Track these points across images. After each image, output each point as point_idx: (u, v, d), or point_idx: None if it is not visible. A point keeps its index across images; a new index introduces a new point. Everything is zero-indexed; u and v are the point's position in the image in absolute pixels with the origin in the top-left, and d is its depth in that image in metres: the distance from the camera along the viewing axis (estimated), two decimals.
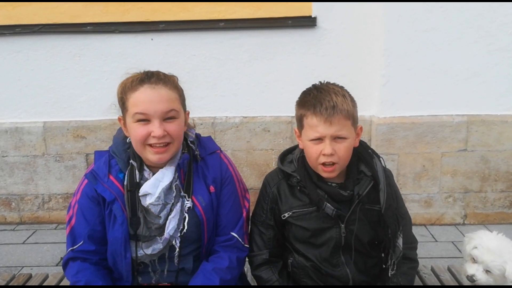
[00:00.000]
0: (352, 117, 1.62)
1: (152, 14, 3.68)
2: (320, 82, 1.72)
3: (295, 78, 3.72)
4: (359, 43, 3.70)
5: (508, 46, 3.56)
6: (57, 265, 3.28)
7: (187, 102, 1.71)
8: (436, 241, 3.56)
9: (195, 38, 3.74)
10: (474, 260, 1.71)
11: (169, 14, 3.68)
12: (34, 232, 3.86)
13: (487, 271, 1.67)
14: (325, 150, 1.58)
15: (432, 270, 2.09)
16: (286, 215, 1.71)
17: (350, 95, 1.66)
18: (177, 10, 3.68)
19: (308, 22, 3.67)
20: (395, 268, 1.64)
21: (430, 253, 3.34)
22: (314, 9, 3.66)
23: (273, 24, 3.69)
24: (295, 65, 3.75)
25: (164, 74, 1.64)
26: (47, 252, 3.48)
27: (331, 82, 1.72)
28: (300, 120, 1.69)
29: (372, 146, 3.70)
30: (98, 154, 1.73)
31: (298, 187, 1.71)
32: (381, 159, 1.73)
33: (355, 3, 3.62)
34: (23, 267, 3.27)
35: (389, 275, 1.65)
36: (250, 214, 1.85)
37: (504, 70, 3.60)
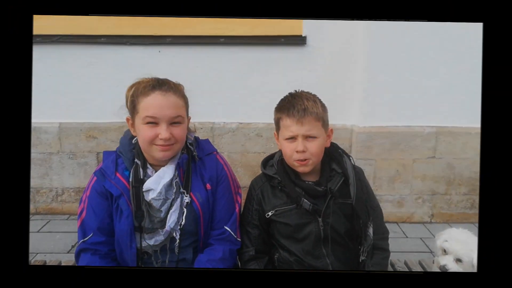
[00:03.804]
0: (321, 119, 1.67)
1: (160, 29, 3.68)
2: (295, 90, 1.78)
3: (287, 90, 3.68)
4: (343, 61, 3.73)
5: (473, 68, 3.51)
6: (68, 252, 3.25)
7: (190, 109, 1.73)
8: (407, 237, 3.59)
9: (198, 52, 3.74)
10: (445, 252, 1.78)
11: (176, 29, 3.68)
12: (48, 222, 3.81)
13: (458, 260, 1.73)
14: (298, 147, 1.63)
15: (405, 263, 2.12)
16: (270, 213, 1.74)
17: (320, 101, 1.72)
18: (183, 27, 3.68)
19: (299, 40, 3.69)
20: (365, 255, 1.68)
21: (401, 247, 3.37)
22: (304, 29, 3.69)
23: (268, 41, 3.71)
24: (287, 78, 3.75)
25: (173, 82, 1.66)
26: (59, 240, 3.44)
27: (312, 92, 1.76)
28: (277, 123, 1.74)
29: (353, 152, 3.72)
30: (106, 154, 1.73)
31: (279, 187, 1.74)
32: (350, 158, 1.78)
33: (341, 25, 3.63)
34: (37, 253, 3.21)
35: (360, 260, 1.69)
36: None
37: (469, 89, 3.59)
